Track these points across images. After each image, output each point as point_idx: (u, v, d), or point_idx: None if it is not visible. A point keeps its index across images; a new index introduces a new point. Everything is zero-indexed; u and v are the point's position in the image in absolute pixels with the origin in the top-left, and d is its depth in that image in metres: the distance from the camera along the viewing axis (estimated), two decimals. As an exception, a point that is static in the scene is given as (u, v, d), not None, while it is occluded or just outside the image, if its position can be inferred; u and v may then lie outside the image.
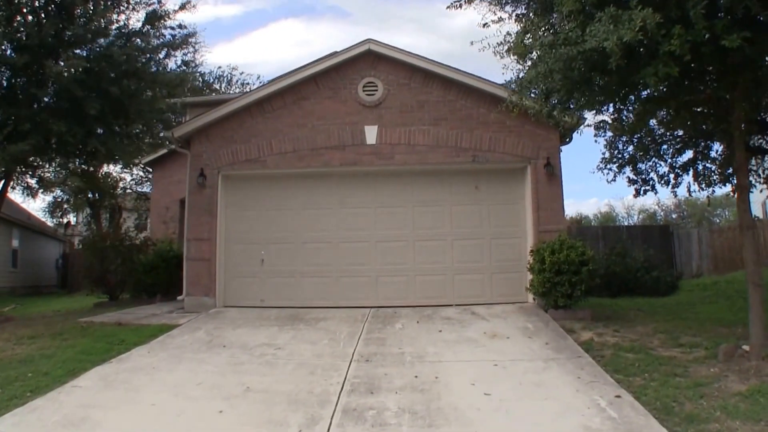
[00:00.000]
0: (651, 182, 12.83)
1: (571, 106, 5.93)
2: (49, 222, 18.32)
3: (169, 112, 9.38)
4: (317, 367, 5.83)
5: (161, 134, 9.17)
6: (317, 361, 6.11)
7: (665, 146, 12.68)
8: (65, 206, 16.73)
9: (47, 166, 9.66)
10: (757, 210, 15.83)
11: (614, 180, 13.15)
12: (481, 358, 6.05)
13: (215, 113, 9.37)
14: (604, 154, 12.96)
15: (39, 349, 6.69)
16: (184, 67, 9.07)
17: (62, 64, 7.21)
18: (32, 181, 10.12)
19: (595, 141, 11.44)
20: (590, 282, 8.19)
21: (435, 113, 9.25)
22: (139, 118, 8.24)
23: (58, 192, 16.20)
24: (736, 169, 6.03)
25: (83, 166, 10.09)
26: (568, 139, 9.51)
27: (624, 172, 13.49)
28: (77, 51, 7.88)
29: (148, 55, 8.60)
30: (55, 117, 7.41)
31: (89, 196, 16.10)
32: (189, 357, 6.40)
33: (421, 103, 9.30)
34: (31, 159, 8.79)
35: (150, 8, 8.26)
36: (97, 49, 8.26)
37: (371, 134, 9.16)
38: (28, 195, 9.96)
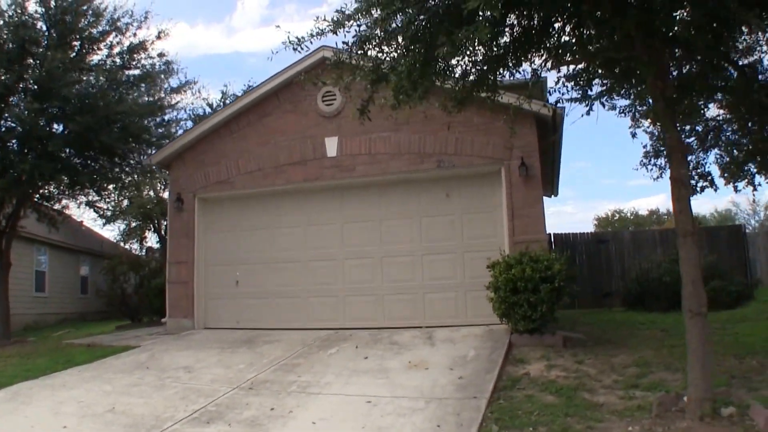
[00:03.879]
0: (709, 177, 10.99)
1: None
2: (136, 249, 20.50)
3: (145, 142, 9.94)
4: (197, 392, 6.07)
5: (141, 161, 9.74)
6: (205, 386, 6.34)
7: (728, 133, 10.83)
8: (138, 232, 18.64)
9: (60, 195, 10.78)
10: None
11: (660, 177, 11.48)
12: (364, 393, 5.79)
13: (188, 136, 9.88)
14: (646, 147, 11.35)
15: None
16: (161, 95, 9.56)
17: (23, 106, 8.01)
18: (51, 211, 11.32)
19: (633, 136, 10.08)
20: (556, 301, 7.04)
21: (395, 117, 8.67)
22: (107, 150, 8.85)
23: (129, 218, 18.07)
24: (667, 155, 4.80)
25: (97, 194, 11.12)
26: (554, 133, 8.34)
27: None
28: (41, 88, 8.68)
29: (121, 88, 9.19)
30: (22, 155, 8.21)
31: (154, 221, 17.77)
32: (106, 377, 6.99)
33: (380, 108, 8.80)
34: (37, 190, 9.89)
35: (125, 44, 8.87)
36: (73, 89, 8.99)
37: (332, 146, 8.96)
38: (51, 225, 11.14)
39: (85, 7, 9.81)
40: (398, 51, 4.70)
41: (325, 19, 4.47)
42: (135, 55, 9.88)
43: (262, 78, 9.98)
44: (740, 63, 8.77)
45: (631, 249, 13.50)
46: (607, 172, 64.76)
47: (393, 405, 5.36)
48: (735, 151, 10.15)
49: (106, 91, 9.04)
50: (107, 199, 11.61)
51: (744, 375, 5.75)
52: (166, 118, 11.77)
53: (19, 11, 8.90)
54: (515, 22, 4.51)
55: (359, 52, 4.68)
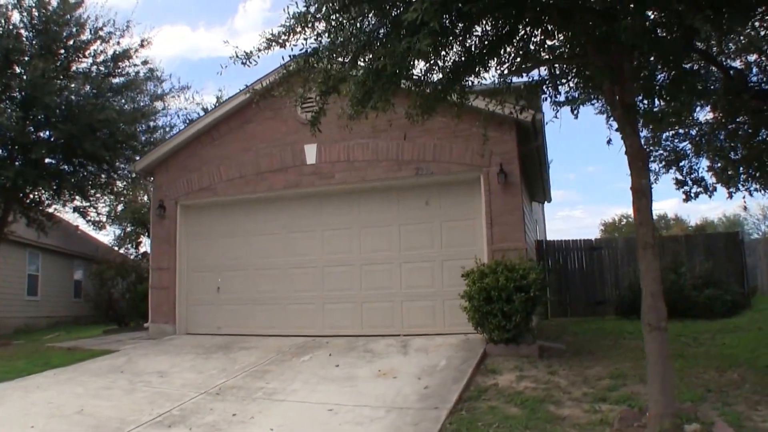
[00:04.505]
0: (704, 182, 10.90)
1: None
2: (132, 254, 20.58)
3: (132, 149, 10.01)
4: (165, 397, 6.16)
5: (125, 169, 9.82)
6: (174, 390, 6.43)
7: (723, 138, 10.73)
8: (133, 237, 18.75)
9: (48, 201, 10.89)
10: None
11: (656, 182, 11.37)
12: (328, 401, 5.83)
13: (171, 143, 9.95)
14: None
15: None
16: (150, 103, 9.63)
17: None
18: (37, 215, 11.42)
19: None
20: (531, 311, 6.97)
21: (374, 124, 8.65)
22: (93, 157, 8.93)
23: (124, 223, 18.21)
24: (628, 164, 4.73)
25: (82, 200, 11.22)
26: (536, 138, 8.28)
27: (670, 172, 11.63)
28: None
29: (105, 96, 9.27)
30: (7, 162, 8.29)
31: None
32: (81, 380, 7.12)
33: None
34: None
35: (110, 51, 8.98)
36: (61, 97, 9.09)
37: (311, 153, 8.96)
38: (40, 230, 11.25)
39: (68, 17, 9.91)
40: (347, 63, 4.68)
41: (273, 34, 4.45)
42: (119, 63, 9.97)
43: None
44: (727, 65, 8.67)
45: (625, 256, 13.34)
46: (617, 176, 64.50)
47: (353, 413, 5.40)
48: (732, 155, 10.03)
49: (88, 100, 9.13)
50: (95, 206, 11.74)
51: (721, 389, 5.69)
52: (160, 123, 11.90)
53: (3, 21, 9.01)
54: (462, 33, 4.46)
55: (306, 64, 4.66)
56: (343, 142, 8.97)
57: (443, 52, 4.96)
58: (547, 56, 4.85)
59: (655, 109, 6.71)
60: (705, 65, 8.94)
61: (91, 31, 9.95)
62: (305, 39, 4.63)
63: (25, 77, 9.20)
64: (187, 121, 16.60)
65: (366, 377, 6.63)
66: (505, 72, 5.07)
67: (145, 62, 10.06)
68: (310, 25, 4.22)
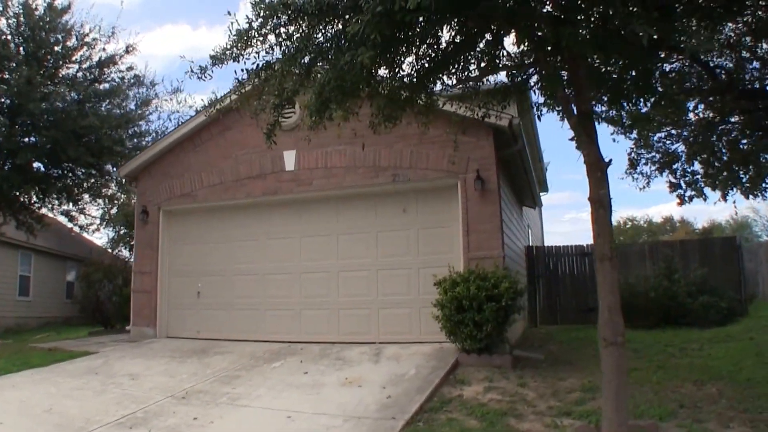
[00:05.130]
0: (698, 184, 10.76)
1: None
2: (126, 256, 20.67)
3: (118, 154, 10.09)
4: (132, 399, 6.30)
5: (110, 174, 9.89)
6: (142, 393, 6.57)
7: (713, 140, 10.61)
8: (126, 239, 18.86)
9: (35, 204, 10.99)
10: None
11: (647, 186, 11.28)
12: (288, 408, 5.88)
13: (155, 148, 10.02)
14: (630, 153, 11.12)
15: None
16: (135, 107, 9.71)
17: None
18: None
19: (614, 140, 9.91)
20: (504, 321, 6.92)
21: (352, 130, 8.62)
22: (79, 162, 9.01)
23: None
24: (586, 173, 4.67)
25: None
26: (515, 143, 8.22)
27: (663, 175, 11.51)
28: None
29: (90, 102, 9.35)
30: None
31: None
32: (55, 380, 7.30)
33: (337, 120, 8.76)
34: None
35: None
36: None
37: (290, 160, 8.98)
38: (29, 232, 11.35)
39: (55, 23, 9.99)
40: (301, 75, 4.69)
41: (218, 52, 4.46)
42: (105, 69, 10.06)
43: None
44: (722, 64, 8.52)
45: (618, 262, 13.08)
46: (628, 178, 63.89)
47: (309, 422, 5.47)
48: (712, 159, 9.91)
49: (71, 106, 9.21)
50: (83, 209, 11.84)
51: (696, 404, 5.59)
52: (153, 127, 11.97)
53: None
54: (410, 43, 4.43)
55: (256, 78, 4.67)
56: (321, 149, 8.99)
57: (400, 60, 4.94)
58: (501, 64, 4.80)
59: (618, 115, 6.62)
60: (691, 65, 8.83)
61: (77, 37, 10.07)
62: (257, 53, 4.63)
63: (11, 83, 9.29)
64: (179, 125, 16.74)
65: (332, 385, 6.69)
66: (462, 78, 5.04)
67: (130, 68, 10.16)
68: (254, 42, 4.22)
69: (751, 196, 9.58)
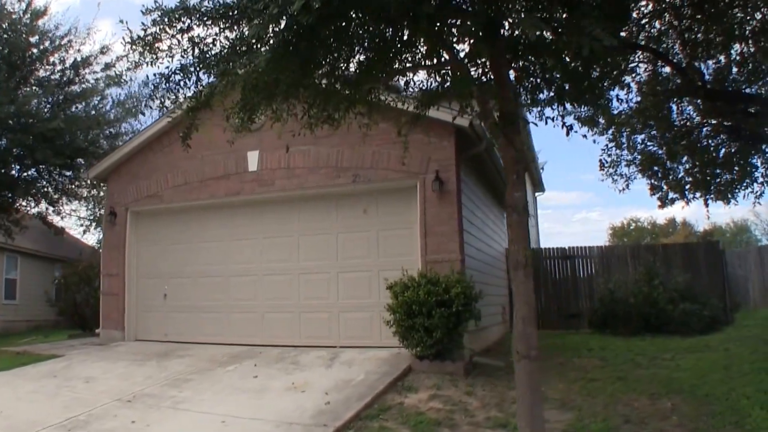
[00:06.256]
0: (683, 185, 10.53)
1: None
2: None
3: (92, 155, 10.10)
4: (80, 402, 6.34)
5: (80, 176, 9.91)
6: (92, 396, 6.60)
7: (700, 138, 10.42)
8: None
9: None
10: None
11: (626, 188, 11.09)
12: (226, 413, 5.88)
13: (123, 150, 10.07)
14: (602, 154, 10.91)
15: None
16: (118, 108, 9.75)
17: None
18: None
19: (586, 137, 9.73)
20: (455, 327, 6.78)
21: (315, 130, 8.50)
22: (46, 164, 9.03)
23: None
24: (505, 176, 4.51)
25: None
26: (480, 144, 8.06)
27: (644, 177, 11.32)
28: None
29: (63, 105, 9.38)
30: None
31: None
32: (15, 383, 7.41)
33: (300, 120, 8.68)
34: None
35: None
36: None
37: (253, 160, 8.93)
38: (7, 235, 11.41)
39: (30, 26, 10.03)
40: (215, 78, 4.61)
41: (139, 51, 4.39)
42: (80, 71, 10.08)
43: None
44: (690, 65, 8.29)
45: (599, 266, 12.95)
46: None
47: (243, 427, 5.48)
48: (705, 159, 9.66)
49: (40, 109, 9.24)
50: (61, 211, 11.89)
51: (644, 420, 5.44)
52: (142, 127, 11.93)
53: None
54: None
55: (168, 82, 4.60)
56: (284, 149, 8.86)
57: (328, 60, 4.83)
58: (423, 62, 4.66)
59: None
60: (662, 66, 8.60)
61: (51, 40, 10.09)
62: (170, 57, 4.56)
63: None
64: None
65: (277, 390, 6.69)
66: (384, 77, 4.91)
67: (107, 66, 10.14)
68: (155, 49, 4.15)
69: (726, 200, 9.34)
